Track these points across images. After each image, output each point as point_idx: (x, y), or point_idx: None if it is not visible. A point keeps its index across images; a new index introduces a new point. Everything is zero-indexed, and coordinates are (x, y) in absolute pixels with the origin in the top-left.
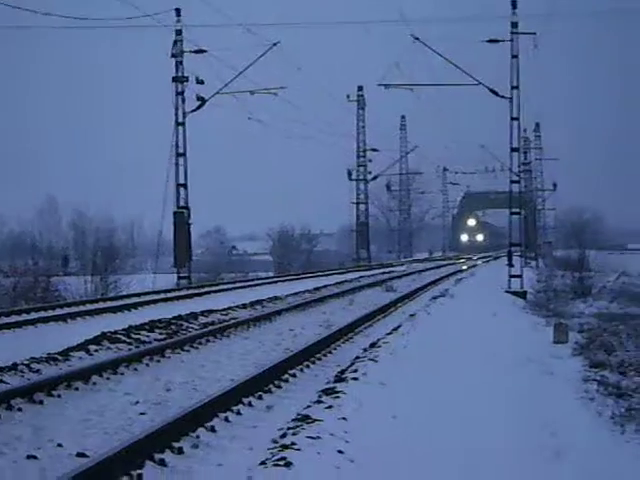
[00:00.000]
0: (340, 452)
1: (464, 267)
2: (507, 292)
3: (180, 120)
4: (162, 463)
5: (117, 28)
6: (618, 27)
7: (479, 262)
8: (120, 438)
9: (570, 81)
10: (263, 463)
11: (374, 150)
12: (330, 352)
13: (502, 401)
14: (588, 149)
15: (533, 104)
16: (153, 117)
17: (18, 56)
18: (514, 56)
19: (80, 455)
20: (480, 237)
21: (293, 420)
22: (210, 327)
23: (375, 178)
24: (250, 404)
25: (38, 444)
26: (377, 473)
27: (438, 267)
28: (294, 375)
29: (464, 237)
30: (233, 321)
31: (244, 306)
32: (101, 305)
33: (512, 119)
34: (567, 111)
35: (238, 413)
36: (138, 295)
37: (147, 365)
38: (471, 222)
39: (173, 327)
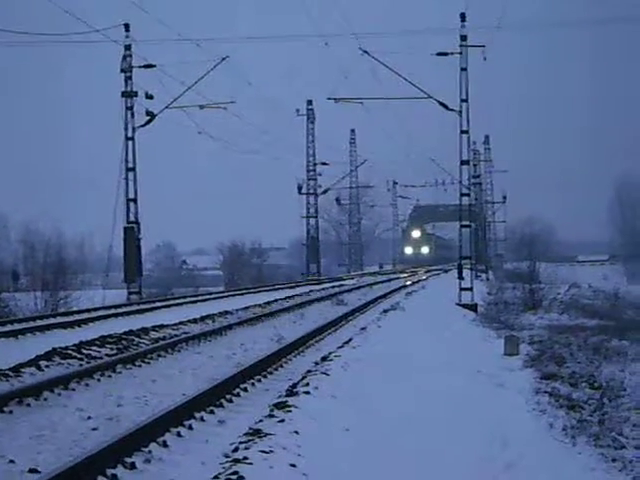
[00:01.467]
0: (292, 466)
1: (408, 282)
2: (458, 305)
3: (129, 135)
4: (114, 478)
5: (67, 43)
6: (568, 39)
7: (424, 277)
8: (72, 454)
9: (519, 93)
10: (216, 477)
11: (324, 164)
12: (281, 366)
13: (453, 413)
14: (537, 161)
15: (483, 117)
16: (103, 132)
17: None
18: (463, 69)
19: (32, 471)
20: (425, 249)
21: (245, 434)
22: (161, 342)
23: (325, 192)
24: (202, 419)
25: None
26: None
27: (389, 280)
28: (245, 389)
29: (408, 250)
30: (184, 336)
31: (195, 321)
32: (52, 321)
33: (462, 132)
34: (516, 123)
35: (190, 428)
36: (89, 311)
37: (98, 380)
38: (415, 234)
39: (124, 342)
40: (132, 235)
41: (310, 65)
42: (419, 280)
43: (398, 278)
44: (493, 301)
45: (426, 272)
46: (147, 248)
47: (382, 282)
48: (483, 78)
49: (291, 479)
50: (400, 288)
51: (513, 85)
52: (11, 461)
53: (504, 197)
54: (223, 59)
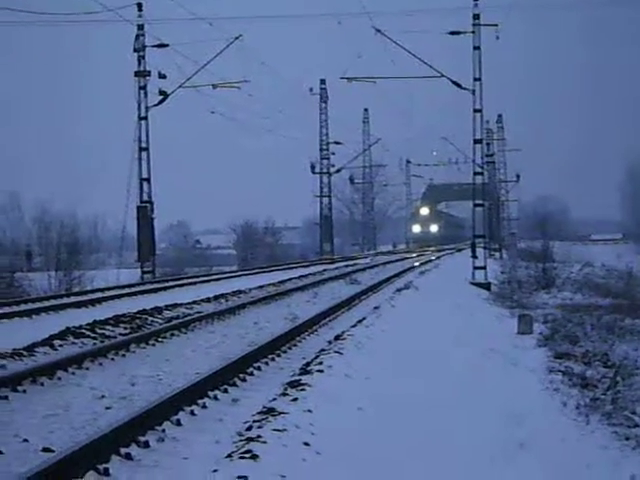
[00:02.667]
0: (306, 444)
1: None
2: (471, 284)
3: (143, 115)
4: (128, 457)
5: (79, 23)
6: (582, 19)
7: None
8: (86, 432)
9: (532, 72)
10: (229, 456)
11: (337, 143)
12: (295, 345)
13: (466, 391)
14: (551, 140)
15: (496, 95)
16: (116, 112)
17: None
18: (476, 48)
19: (46, 450)
20: (434, 228)
21: (259, 413)
22: (175, 321)
23: (338, 171)
24: (216, 397)
25: (3, 439)
26: (343, 465)
27: (402, 259)
28: (259, 368)
29: (416, 228)
30: (198, 315)
31: (208, 300)
32: (65, 300)
33: (475, 111)
34: (530, 102)
35: (204, 406)
36: (102, 290)
37: (112, 360)
38: (424, 211)
39: (138, 321)
40: (145, 214)
41: (323, 44)
42: (429, 260)
43: (409, 257)
44: (506, 280)
45: (436, 252)
46: (160, 227)
47: (395, 261)
48: (496, 57)
49: (305, 457)
50: (413, 267)
51: (527, 63)
52: (25, 440)
53: (517, 176)
54: (236, 38)
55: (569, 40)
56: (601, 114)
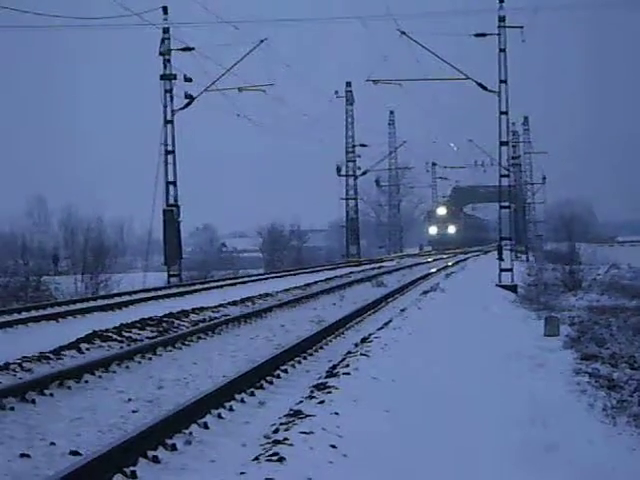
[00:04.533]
0: (333, 447)
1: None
2: (497, 286)
3: (169, 118)
4: (155, 460)
5: (105, 27)
6: (607, 19)
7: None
8: (113, 436)
9: (558, 74)
10: (256, 459)
11: (363, 146)
12: (321, 347)
13: (494, 394)
14: (577, 142)
15: (522, 98)
16: (142, 116)
17: (3, 56)
18: (502, 50)
19: (73, 453)
20: (452, 229)
21: (285, 416)
22: (201, 324)
23: (364, 173)
24: (242, 400)
25: (31, 443)
26: (370, 468)
27: (429, 262)
28: (286, 371)
29: (432, 230)
30: (224, 318)
31: (235, 303)
32: (92, 304)
33: (501, 113)
34: (556, 105)
35: (230, 409)
36: (129, 293)
37: (139, 363)
38: (441, 211)
39: (164, 325)
40: (172, 218)
41: (348, 47)
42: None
43: (439, 259)
44: (533, 282)
45: (452, 256)
46: (187, 231)
47: (422, 264)
48: (523, 59)
49: (331, 460)
50: (440, 270)
51: (553, 66)
52: (52, 443)
53: (543, 178)
54: (261, 41)
55: (599, 40)
56: (629, 115)
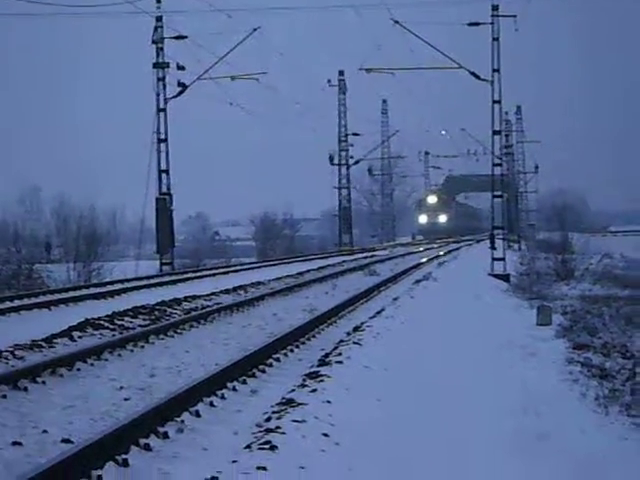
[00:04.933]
0: (325, 435)
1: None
2: (490, 275)
3: (161, 106)
4: (147, 448)
5: (97, 15)
6: (600, 8)
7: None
8: (105, 424)
9: (551, 63)
10: (248, 447)
11: (355, 134)
12: (314, 336)
13: (486, 383)
14: (570, 132)
15: (515, 87)
16: (134, 104)
17: None
18: (495, 39)
19: (65, 441)
20: (443, 218)
21: (278, 404)
22: (194, 313)
23: (357, 162)
24: (234, 389)
25: (23, 430)
26: (362, 456)
27: (421, 251)
28: (278, 359)
29: (422, 218)
30: (216, 306)
31: (227, 291)
32: (84, 292)
33: (494, 102)
34: (549, 94)
35: (222, 397)
36: (121, 281)
37: (131, 351)
38: (431, 199)
39: (157, 313)
40: (164, 206)
41: (341, 36)
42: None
43: (432, 248)
44: (525, 271)
45: (444, 245)
46: (179, 219)
47: (414, 253)
48: (516, 48)
49: (324, 448)
50: (432, 259)
51: (545, 55)
52: (44, 431)
53: (536, 167)
54: (254, 30)
55: (590, 29)
56: (622, 104)
